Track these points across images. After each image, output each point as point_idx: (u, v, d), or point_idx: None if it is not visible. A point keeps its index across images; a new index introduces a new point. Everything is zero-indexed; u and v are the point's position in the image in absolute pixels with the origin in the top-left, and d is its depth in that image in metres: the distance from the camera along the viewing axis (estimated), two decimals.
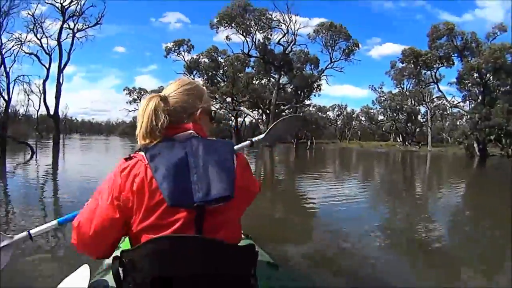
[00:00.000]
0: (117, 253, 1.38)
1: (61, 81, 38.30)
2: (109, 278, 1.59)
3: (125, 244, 1.74)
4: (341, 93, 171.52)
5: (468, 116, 45.99)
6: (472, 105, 48.05)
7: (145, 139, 1.44)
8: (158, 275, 1.26)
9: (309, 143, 45.79)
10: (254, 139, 2.69)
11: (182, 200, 1.29)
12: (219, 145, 1.47)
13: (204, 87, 1.71)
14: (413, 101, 66.47)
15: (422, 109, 68.75)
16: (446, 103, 51.34)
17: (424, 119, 68.81)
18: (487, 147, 44.72)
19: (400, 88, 64.16)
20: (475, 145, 43.42)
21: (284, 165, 26.27)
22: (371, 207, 9.81)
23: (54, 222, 1.92)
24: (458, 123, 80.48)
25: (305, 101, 56.82)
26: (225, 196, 1.30)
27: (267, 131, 2.81)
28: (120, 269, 1.33)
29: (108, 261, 1.59)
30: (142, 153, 1.40)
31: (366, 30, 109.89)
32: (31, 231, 1.89)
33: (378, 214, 8.83)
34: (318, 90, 55.29)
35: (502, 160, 40.99)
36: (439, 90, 49.31)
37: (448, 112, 73.00)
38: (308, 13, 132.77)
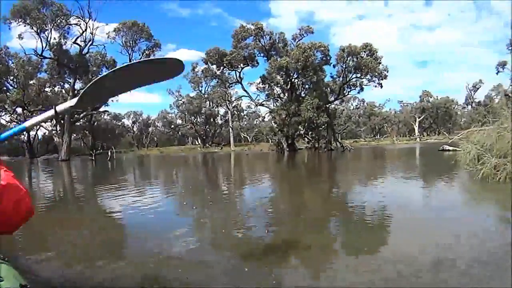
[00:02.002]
0: None
1: None
2: None
3: None
4: (134, 100, 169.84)
5: (274, 114, 47.74)
6: (276, 103, 50.26)
7: None
8: None
9: (109, 153, 41.53)
10: (61, 106, 1.76)
11: None
12: None
13: None
14: (211, 103, 66.73)
15: (221, 111, 69.75)
16: (251, 102, 52.01)
17: (223, 120, 69.81)
18: (294, 142, 47.16)
19: (198, 91, 63.74)
20: (283, 140, 45.20)
21: (87, 179, 23.58)
22: (177, 212, 10.20)
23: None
24: (255, 122, 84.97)
25: (103, 107, 51.59)
26: None
27: (84, 89, 1.78)
28: None
29: None
30: None
31: (161, 36, 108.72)
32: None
33: (185, 219, 9.04)
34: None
35: (310, 152, 43.77)
36: (244, 90, 50.06)
37: (249, 111, 76.18)
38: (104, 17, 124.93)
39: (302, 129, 45.51)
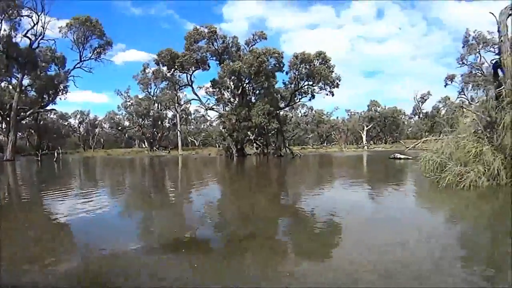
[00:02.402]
0: None
1: None
2: None
3: None
4: (81, 99, 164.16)
5: (224, 119, 47.06)
6: (226, 108, 49.59)
7: None
8: None
9: (56, 154, 39.75)
10: None
11: None
12: None
13: None
14: (159, 106, 65.19)
15: (169, 114, 68.31)
16: (201, 106, 50.82)
17: (171, 124, 68.36)
18: (244, 147, 46.66)
19: (147, 93, 62.17)
20: (233, 145, 44.57)
21: (33, 180, 22.21)
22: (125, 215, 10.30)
23: None
24: (202, 126, 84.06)
25: (50, 105, 49.31)
26: None
27: None
28: None
29: None
30: None
31: (111, 35, 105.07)
32: None
33: (134, 221, 9.46)
34: (64, 92, 48.74)
35: (258, 158, 43.48)
36: (194, 93, 48.89)
37: (196, 115, 75.05)
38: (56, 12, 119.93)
39: (251, 134, 45.08)
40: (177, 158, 46.46)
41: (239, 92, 45.42)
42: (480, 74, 47.19)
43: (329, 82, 42.41)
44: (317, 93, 44.79)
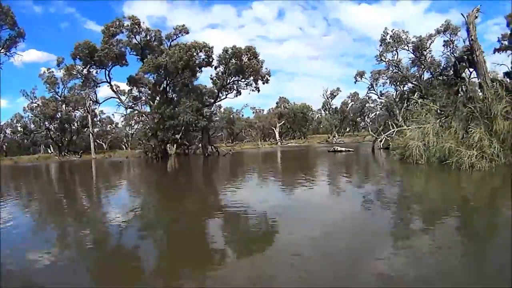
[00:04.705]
0: None
1: None
2: None
3: None
4: None
5: (146, 117, 44.99)
6: (145, 106, 47.62)
7: None
8: None
9: None
10: None
11: None
12: None
13: None
14: (67, 107, 60.41)
15: (78, 115, 63.71)
16: (121, 104, 47.38)
17: (79, 126, 63.72)
18: (167, 147, 44.73)
19: (54, 92, 57.38)
20: (157, 146, 42.47)
21: None
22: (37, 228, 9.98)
23: None
24: (108, 128, 79.96)
25: None
26: None
27: None
28: None
29: None
30: None
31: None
32: None
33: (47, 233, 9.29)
34: None
35: (185, 158, 42.06)
36: (113, 90, 45.72)
37: (101, 117, 70.96)
38: None
39: (177, 133, 43.11)
40: (100, 163, 42.94)
41: (161, 89, 43.41)
42: (396, 71, 49.45)
43: (260, 77, 41.88)
44: (242, 88, 44.16)
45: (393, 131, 29.35)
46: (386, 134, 32.24)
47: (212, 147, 46.02)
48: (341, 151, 34.94)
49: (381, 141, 32.97)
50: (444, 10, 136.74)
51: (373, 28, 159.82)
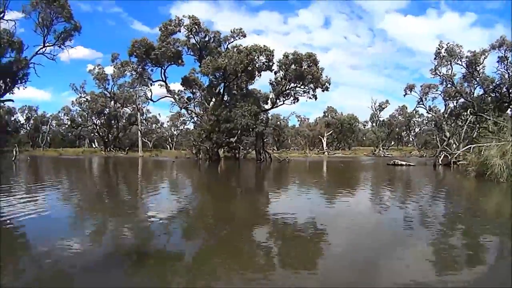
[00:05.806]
0: None
1: None
2: None
3: None
4: (21, 96, 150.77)
5: (201, 119, 43.87)
6: (197, 108, 46.57)
7: None
8: None
9: (14, 153, 34.67)
10: None
11: None
12: None
13: None
14: (116, 103, 60.04)
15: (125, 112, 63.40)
16: (175, 104, 46.39)
17: (126, 123, 63.35)
18: (219, 150, 43.45)
19: (103, 88, 57.06)
20: (212, 148, 41.28)
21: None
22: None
23: None
24: (153, 127, 79.82)
25: (8, 94, 42.53)
26: None
27: None
28: None
29: None
30: None
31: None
32: None
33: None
34: (24, 81, 41.74)
35: (236, 162, 40.78)
36: (168, 90, 44.84)
37: (147, 116, 70.48)
38: None
39: (233, 137, 41.75)
40: (150, 161, 42.43)
41: (217, 91, 42.28)
42: (450, 86, 47.01)
43: (320, 84, 40.17)
44: (300, 95, 42.45)
45: (469, 148, 27.11)
46: (462, 150, 30.29)
47: (265, 153, 44.48)
48: (401, 165, 33.19)
49: (440, 157, 33.33)
50: (489, 25, 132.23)
51: (416, 40, 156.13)
